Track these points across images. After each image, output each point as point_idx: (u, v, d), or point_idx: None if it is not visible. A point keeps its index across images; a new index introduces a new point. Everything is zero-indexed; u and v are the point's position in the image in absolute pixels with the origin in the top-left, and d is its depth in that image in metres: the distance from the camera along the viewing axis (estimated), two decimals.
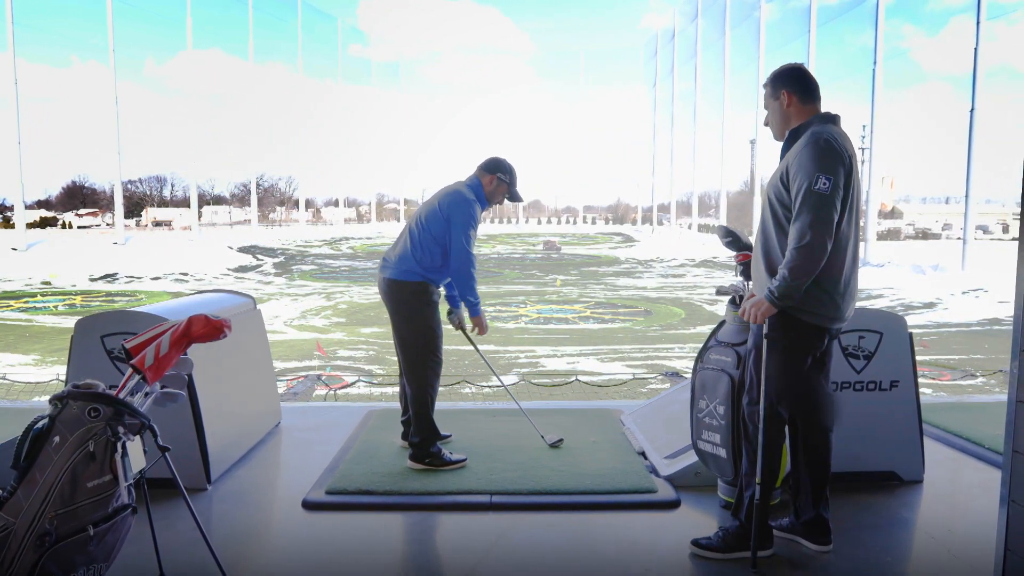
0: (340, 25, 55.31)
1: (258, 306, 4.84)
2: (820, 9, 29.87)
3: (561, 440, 4.42)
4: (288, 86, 49.92)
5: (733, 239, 3.51)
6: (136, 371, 2.41)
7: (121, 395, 2.41)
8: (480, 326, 4.22)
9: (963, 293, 18.69)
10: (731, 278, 3.83)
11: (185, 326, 2.48)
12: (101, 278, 23.71)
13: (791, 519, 3.19)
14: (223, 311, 4.18)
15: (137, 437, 2.41)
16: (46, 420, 2.30)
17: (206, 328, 2.49)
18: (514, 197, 4.29)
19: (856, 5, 27.29)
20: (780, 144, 3.12)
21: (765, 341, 2.96)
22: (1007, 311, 15.65)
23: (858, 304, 3.11)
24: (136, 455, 2.40)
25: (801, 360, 2.96)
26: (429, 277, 4.05)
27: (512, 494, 3.64)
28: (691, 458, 3.80)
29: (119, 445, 2.32)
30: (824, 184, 2.75)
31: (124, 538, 2.40)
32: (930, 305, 17.13)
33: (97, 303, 17.76)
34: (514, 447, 4.32)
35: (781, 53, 32.86)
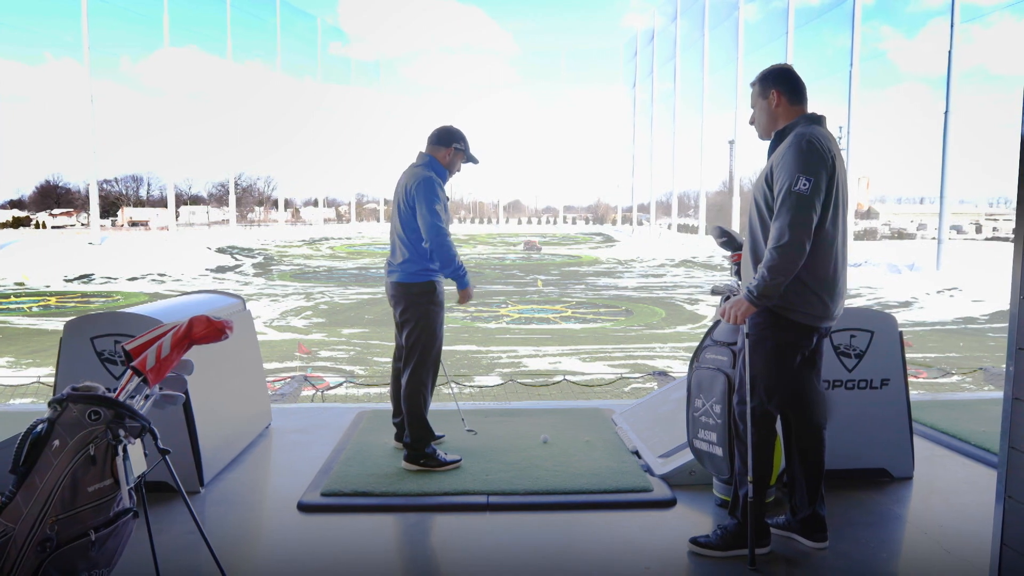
0: (320, 23, 54.97)
1: (247, 306, 4.79)
2: (801, 10, 30.18)
3: (474, 432, 4.57)
4: (267, 84, 49.52)
5: (728, 239, 3.53)
6: (137, 373, 2.38)
7: (121, 397, 2.38)
8: (466, 298, 4.18)
9: (938, 292, 18.96)
10: (722, 278, 3.85)
11: (187, 327, 2.45)
12: (76, 279, 23.35)
13: (787, 516, 3.22)
14: (213, 312, 4.13)
15: (138, 440, 2.37)
16: (45, 423, 2.27)
17: (208, 329, 2.46)
18: (470, 159, 4.28)
19: (835, 6, 27.61)
20: (760, 144, 3.16)
21: (749, 341, 3.00)
22: (981, 310, 15.93)
23: (855, 303, 3.15)
24: (137, 458, 2.37)
25: (791, 359, 2.99)
26: (433, 269, 4.05)
27: (509, 494, 3.64)
28: (685, 457, 3.83)
29: (120, 448, 2.29)
30: (804, 185, 2.78)
31: (126, 543, 2.36)
32: (906, 304, 17.36)
33: (72, 304, 17.49)
34: (508, 447, 4.32)
35: (760, 54, 33.17)
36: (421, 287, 4.05)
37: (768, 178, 2.94)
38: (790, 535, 3.18)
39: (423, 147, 4.22)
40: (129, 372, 2.41)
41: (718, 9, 37.74)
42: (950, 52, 21.99)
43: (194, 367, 2.59)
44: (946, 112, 22.09)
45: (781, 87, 3.05)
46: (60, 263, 25.92)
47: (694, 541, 3.12)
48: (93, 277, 23.80)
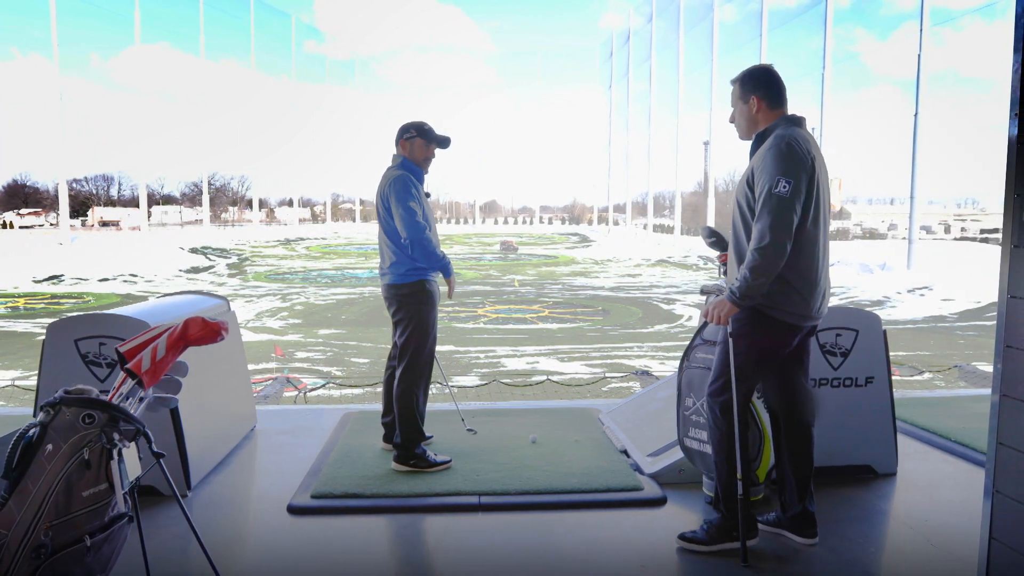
0: (294, 21, 54.48)
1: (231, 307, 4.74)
2: (779, 12, 30.46)
3: (474, 431, 4.61)
4: (241, 83, 48.94)
5: (717, 239, 3.56)
6: (132, 375, 2.35)
7: (114, 400, 2.34)
8: (450, 288, 4.22)
9: (909, 291, 19.27)
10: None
11: (182, 329, 2.42)
12: (46, 279, 22.91)
13: (777, 513, 3.26)
14: (199, 313, 4.08)
15: (132, 444, 2.34)
16: (37, 428, 2.22)
17: (203, 331, 2.43)
18: (441, 143, 4.24)
19: (811, 8, 27.88)
20: (735, 145, 3.23)
21: (732, 338, 3.03)
22: (950, 308, 16.22)
23: (829, 302, 3.19)
24: (131, 462, 2.33)
25: (772, 356, 3.03)
26: (421, 267, 4.05)
27: (500, 494, 3.64)
28: (674, 456, 3.86)
29: (114, 452, 2.25)
30: (784, 187, 2.81)
31: (121, 548, 2.33)
32: (879, 303, 17.62)
33: (42, 305, 17.15)
34: (497, 447, 4.32)
35: (736, 55, 33.40)
36: (411, 287, 4.05)
37: (750, 180, 2.97)
38: (780, 532, 3.22)
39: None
40: (123, 374, 2.38)
41: (694, 10, 37.96)
42: (919, 55, 22.36)
43: (188, 369, 2.56)
44: (916, 114, 22.47)
45: (761, 93, 3.06)
46: (29, 264, 25.40)
47: (682, 536, 3.15)
48: (63, 278, 23.36)
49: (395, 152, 4.23)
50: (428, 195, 4.20)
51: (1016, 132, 2.35)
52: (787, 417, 3.17)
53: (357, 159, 60.98)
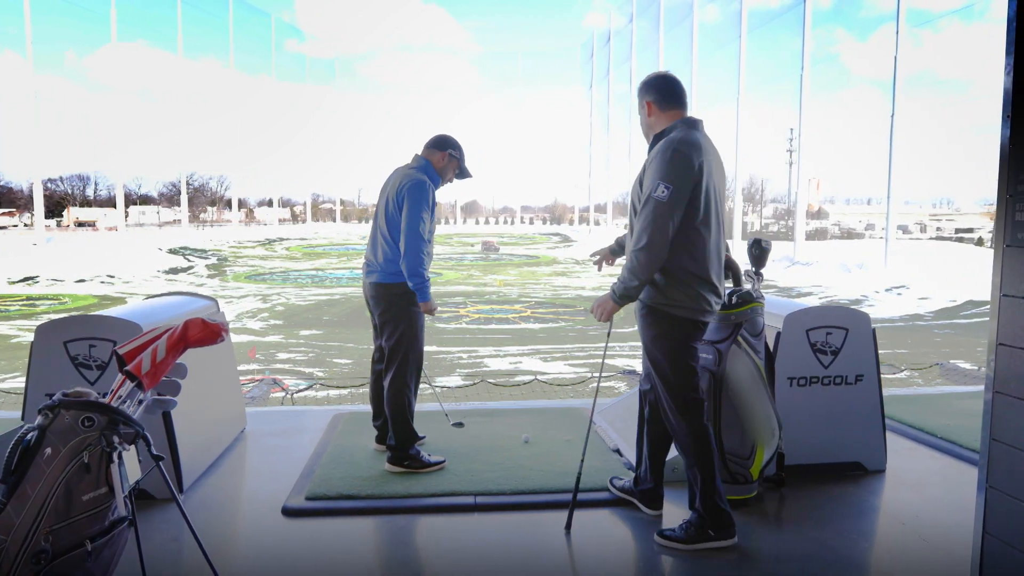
0: (274, 20, 54.06)
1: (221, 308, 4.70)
2: (760, 12, 30.67)
3: (462, 424, 4.75)
4: (220, 82, 48.45)
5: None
6: (131, 378, 2.32)
7: (113, 403, 2.31)
8: (426, 311, 4.04)
9: (886, 290, 19.52)
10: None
11: (182, 330, 2.40)
12: (20, 281, 22.55)
13: (629, 483, 3.53)
14: (190, 314, 4.04)
15: (131, 446, 2.31)
16: (35, 431, 2.19)
17: (203, 332, 2.41)
18: (464, 173, 4.26)
19: (791, 9, 28.07)
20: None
21: (652, 345, 3.12)
22: (927, 307, 16.46)
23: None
24: (131, 465, 2.31)
25: (688, 351, 3.11)
26: None
27: (496, 494, 3.64)
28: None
29: (114, 455, 2.23)
30: (663, 192, 2.88)
31: (121, 553, 2.30)
32: (856, 302, 17.83)
33: (17, 307, 16.88)
34: (491, 447, 4.32)
35: (717, 56, 33.60)
36: (402, 287, 4.00)
37: (640, 184, 3.06)
38: (630, 499, 3.50)
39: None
40: (121, 377, 2.35)
41: (675, 10, 38.10)
42: (895, 57, 22.66)
43: (187, 370, 2.54)
44: (892, 115, 22.76)
45: (651, 96, 3.17)
46: (3, 265, 24.96)
47: (660, 534, 3.19)
48: (38, 279, 23.00)
49: (419, 154, 4.17)
50: (436, 203, 4.18)
51: (1008, 134, 2.40)
52: (653, 413, 3.30)
53: (338, 159, 60.71)
